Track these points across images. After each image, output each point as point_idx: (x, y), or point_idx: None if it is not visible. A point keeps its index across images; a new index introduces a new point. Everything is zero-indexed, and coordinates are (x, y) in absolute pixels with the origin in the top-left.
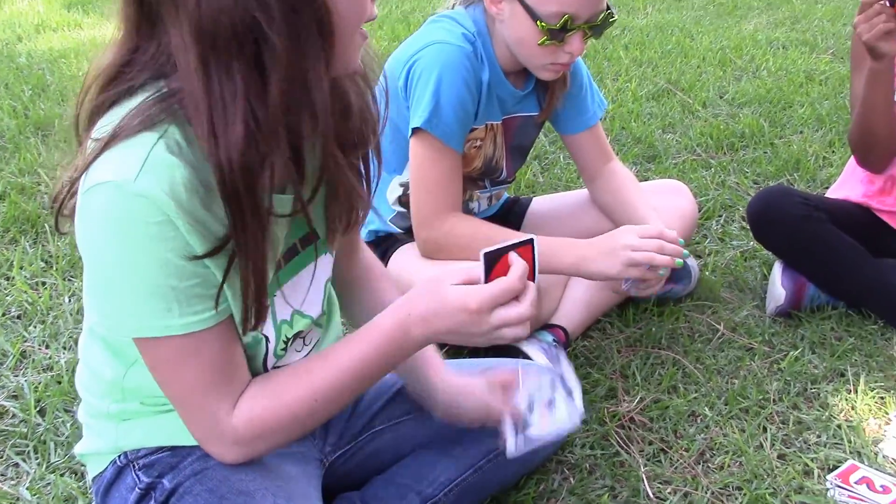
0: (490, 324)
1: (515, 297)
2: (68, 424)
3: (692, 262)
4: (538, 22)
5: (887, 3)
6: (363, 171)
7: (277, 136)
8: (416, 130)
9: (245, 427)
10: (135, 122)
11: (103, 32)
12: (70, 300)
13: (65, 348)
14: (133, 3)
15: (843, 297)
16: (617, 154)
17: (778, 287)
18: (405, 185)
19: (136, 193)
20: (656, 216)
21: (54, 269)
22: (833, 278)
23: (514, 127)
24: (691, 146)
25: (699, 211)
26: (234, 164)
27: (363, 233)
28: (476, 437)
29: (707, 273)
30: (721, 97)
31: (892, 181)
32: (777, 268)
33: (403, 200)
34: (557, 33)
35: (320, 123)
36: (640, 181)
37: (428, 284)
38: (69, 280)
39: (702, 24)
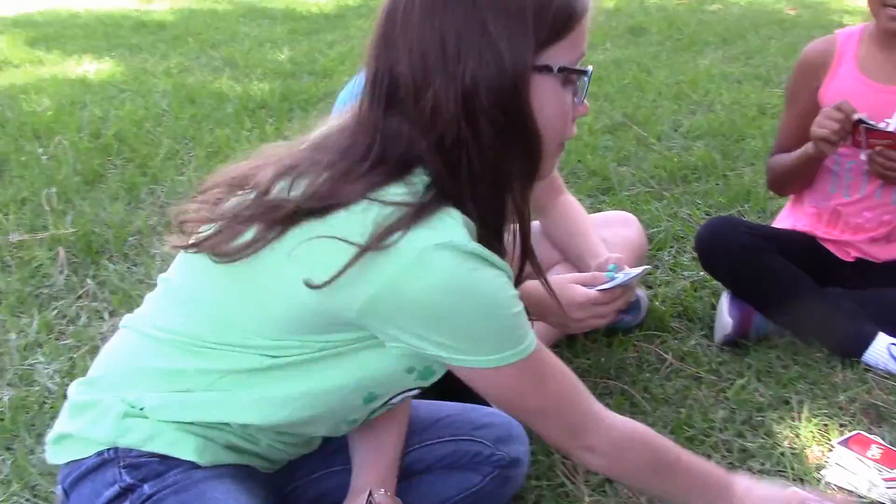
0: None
1: None
2: (9, 463)
3: (641, 294)
4: None
5: (859, 125)
6: None
7: None
8: None
9: (619, 434)
10: None
11: (64, 69)
12: (17, 336)
13: (9, 385)
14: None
15: (788, 326)
16: (572, 186)
17: (725, 316)
18: None
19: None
20: (605, 249)
21: (2, 304)
22: (778, 307)
23: None
24: (645, 178)
25: (651, 242)
26: None
27: None
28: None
29: (657, 303)
30: (675, 130)
31: (837, 214)
32: (724, 297)
33: None
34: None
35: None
36: (593, 213)
37: None
38: (17, 316)
39: (659, 60)
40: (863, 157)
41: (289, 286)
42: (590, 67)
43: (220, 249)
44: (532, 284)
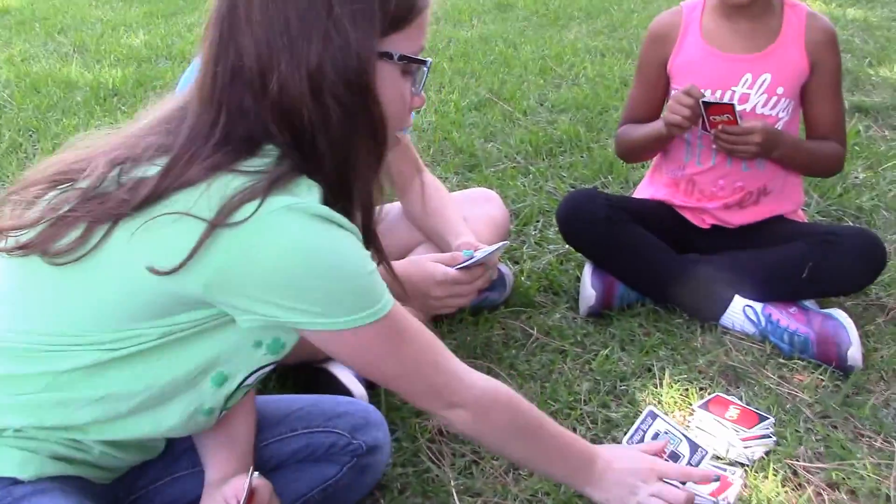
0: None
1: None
2: None
3: (506, 270)
4: None
5: (702, 108)
6: None
7: None
8: None
9: (482, 393)
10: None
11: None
12: None
13: None
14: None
15: (650, 294)
16: (438, 164)
17: (588, 288)
18: None
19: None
20: (466, 226)
21: None
22: (639, 276)
23: None
24: (511, 154)
25: (517, 218)
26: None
27: None
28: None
29: (523, 279)
30: (541, 105)
31: (692, 182)
32: (587, 269)
33: None
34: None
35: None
36: (460, 190)
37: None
38: None
39: (525, 35)
40: (711, 137)
41: (127, 273)
42: (429, 59)
43: (50, 250)
44: (396, 262)
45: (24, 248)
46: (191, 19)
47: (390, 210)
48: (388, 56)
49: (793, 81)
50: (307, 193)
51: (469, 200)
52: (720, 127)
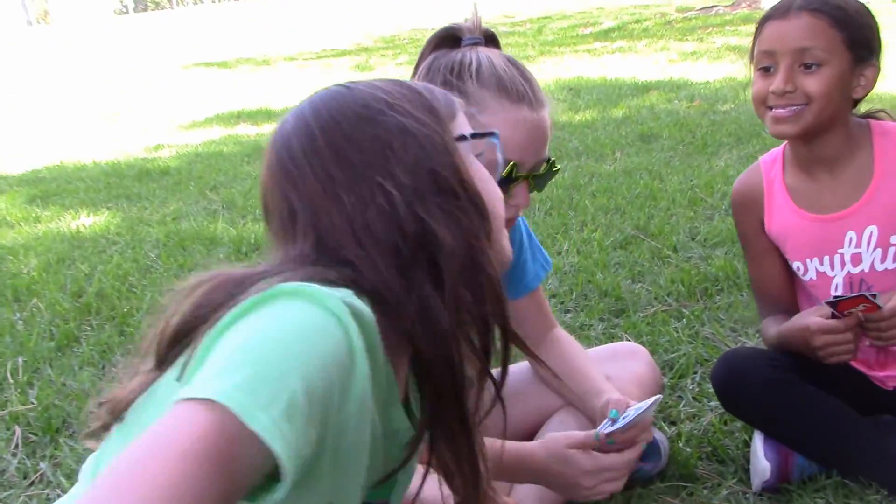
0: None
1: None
2: None
3: (660, 437)
4: None
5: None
6: None
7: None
8: None
9: None
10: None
11: (59, 224)
12: None
13: None
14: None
15: (835, 466)
16: (581, 310)
17: (761, 460)
18: None
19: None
20: (611, 385)
21: None
22: (820, 446)
23: None
24: (662, 296)
25: (671, 370)
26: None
27: None
28: None
29: (680, 444)
30: (692, 239)
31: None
32: (757, 437)
33: None
34: (502, 183)
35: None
36: (607, 340)
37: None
38: None
39: (671, 166)
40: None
41: None
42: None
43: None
44: (533, 451)
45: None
46: None
47: (518, 371)
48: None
49: None
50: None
51: (610, 357)
52: (861, 316)
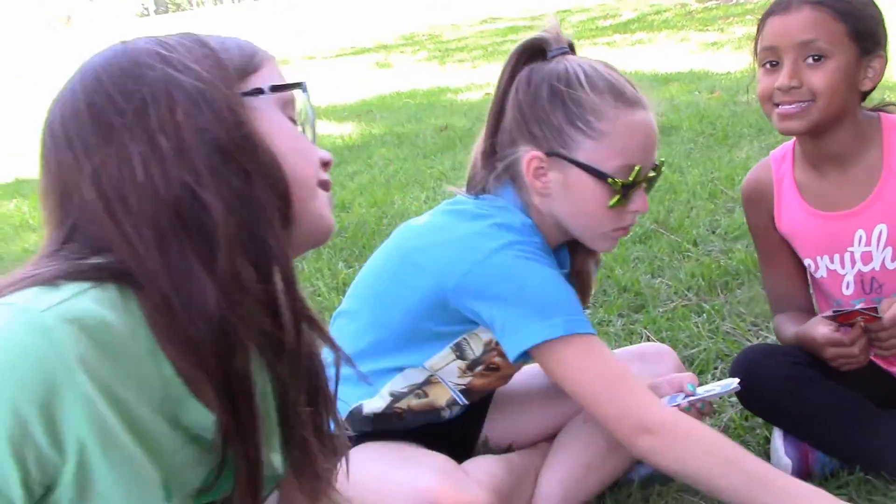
0: None
1: None
2: None
3: None
4: (608, 179)
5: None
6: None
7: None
8: (550, 343)
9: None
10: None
11: None
12: None
13: None
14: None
15: (856, 462)
16: (600, 306)
17: (782, 457)
18: (395, 396)
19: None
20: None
21: None
22: (841, 442)
23: None
24: (682, 290)
25: (691, 365)
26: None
27: None
28: None
29: None
30: (713, 232)
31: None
32: (777, 434)
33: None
34: (629, 189)
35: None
36: (626, 336)
37: None
38: None
39: (691, 158)
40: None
41: None
42: (302, 81)
43: None
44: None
45: None
46: (353, 168)
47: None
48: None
49: None
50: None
51: (638, 358)
52: (862, 325)
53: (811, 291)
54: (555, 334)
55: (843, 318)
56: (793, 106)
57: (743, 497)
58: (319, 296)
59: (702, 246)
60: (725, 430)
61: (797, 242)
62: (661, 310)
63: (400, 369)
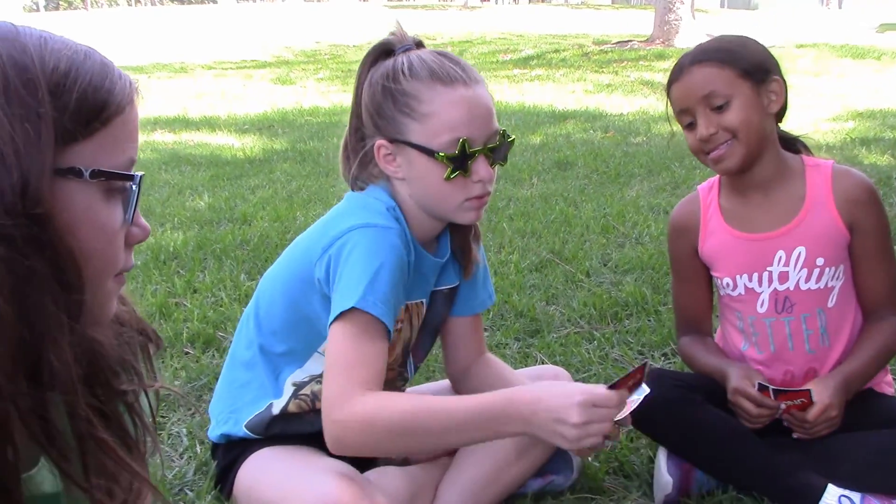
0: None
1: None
2: None
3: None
4: (437, 155)
5: (770, 396)
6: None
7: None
8: (342, 314)
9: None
10: None
11: None
12: None
13: None
14: None
15: (731, 482)
16: (498, 329)
17: (664, 475)
18: (297, 385)
19: None
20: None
21: None
22: (718, 464)
23: (434, 303)
24: (574, 318)
25: None
26: None
27: (212, 433)
28: None
29: (590, 459)
30: (605, 265)
31: (758, 370)
32: (661, 454)
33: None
34: (459, 161)
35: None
36: (522, 359)
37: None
38: None
39: (585, 193)
40: (782, 406)
41: None
42: (138, 174)
43: None
44: (523, 386)
45: None
46: (255, 181)
47: (435, 389)
48: (73, 172)
49: (832, 249)
50: None
51: (536, 378)
52: (788, 409)
53: (715, 315)
54: (346, 306)
55: (784, 397)
56: (719, 149)
57: (433, 444)
58: (222, 306)
59: (594, 277)
60: (614, 451)
61: (719, 263)
62: (554, 335)
63: (298, 362)
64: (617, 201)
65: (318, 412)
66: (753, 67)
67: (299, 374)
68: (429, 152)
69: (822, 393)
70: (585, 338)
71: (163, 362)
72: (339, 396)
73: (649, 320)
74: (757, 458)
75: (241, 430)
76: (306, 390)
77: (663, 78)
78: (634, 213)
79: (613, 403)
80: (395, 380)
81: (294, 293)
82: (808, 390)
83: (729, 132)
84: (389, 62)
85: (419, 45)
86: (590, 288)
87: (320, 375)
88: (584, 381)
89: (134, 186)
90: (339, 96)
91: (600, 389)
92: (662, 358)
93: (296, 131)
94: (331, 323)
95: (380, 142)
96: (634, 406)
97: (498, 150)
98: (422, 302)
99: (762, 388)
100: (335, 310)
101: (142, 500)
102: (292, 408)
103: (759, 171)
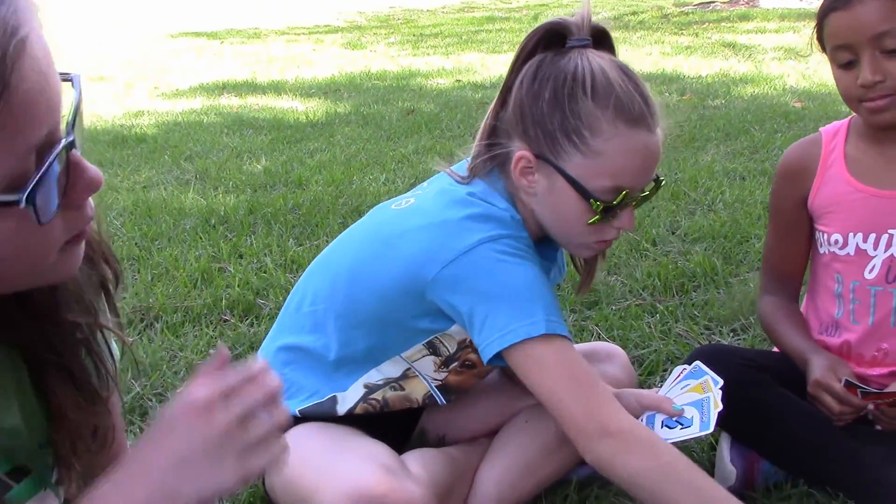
0: (229, 418)
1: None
2: None
3: None
4: (591, 201)
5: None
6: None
7: None
8: (529, 342)
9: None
10: None
11: None
12: None
13: None
14: None
15: (802, 475)
16: None
17: (727, 465)
18: (370, 388)
19: None
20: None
21: None
22: (789, 453)
23: None
24: (637, 289)
25: (640, 366)
26: None
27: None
28: None
29: None
30: (673, 233)
31: (847, 345)
32: (724, 441)
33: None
34: (612, 210)
35: None
36: (577, 332)
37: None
38: None
39: None
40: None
41: None
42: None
43: None
44: None
45: None
46: (314, 145)
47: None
48: None
49: None
50: None
51: (587, 356)
52: (879, 405)
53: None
54: (535, 332)
55: (871, 397)
56: (884, 101)
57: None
58: (266, 272)
59: (660, 246)
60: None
61: (831, 217)
62: (614, 308)
63: (375, 362)
64: (690, 166)
65: (390, 407)
66: None
67: (374, 376)
68: (583, 192)
69: None
70: (647, 311)
71: (199, 330)
72: (595, 421)
73: (718, 292)
74: (834, 448)
75: (292, 411)
76: (378, 395)
77: (746, 40)
78: (708, 178)
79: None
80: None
81: (391, 295)
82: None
83: None
84: (565, 61)
85: (601, 37)
86: (655, 257)
87: (397, 380)
88: (642, 357)
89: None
90: (408, 60)
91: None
92: (731, 334)
93: (361, 95)
94: (503, 349)
95: (525, 154)
96: (718, 409)
97: (647, 197)
98: None
99: (849, 386)
100: (509, 338)
101: (108, 447)
102: (359, 411)
103: None
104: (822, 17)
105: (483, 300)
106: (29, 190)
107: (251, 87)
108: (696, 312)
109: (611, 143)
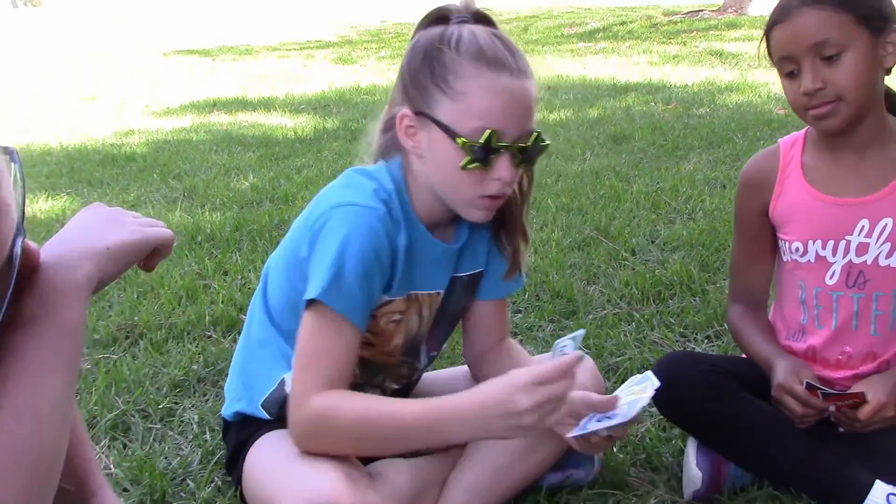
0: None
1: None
2: None
3: None
4: (458, 139)
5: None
6: None
7: None
8: (310, 302)
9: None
10: None
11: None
12: None
13: None
14: None
15: (767, 477)
16: (532, 311)
17: (693, 468)
18: None
19: None
20: None
21: None
22: (752, 457)
23: (452, 290)
24: (615, 298)
25: (615, 374)
26: None
27: (225, 411)
28: None
29: (615, 450)
30: (652, 242)
31: (812, 349)
32: (691, 445)
33: None
34: (481, 152)
35: None
36: (554, 341)
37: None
38: None
39: (639, 167)
40: (831, 408)
41: None
42: None
43: None
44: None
45: None
46: (301, 161)
47: (454, 377)
48: None
49: None
50: None
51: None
52: (839, 407)
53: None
54: (311, 295)
55: (836, 399)
56: (824, 108)
57: (385, 448)
58: (250, 288)
59: (639, 255)
60: (641, 441)
61: (791, 225)
62: (591, 317)
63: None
64: (671, 175)
65: None
66: (873, 14)
67: None
68: (452, 134)
69: (878, 391)
70: (624, 319)
71: (182, 346)
72: (297, 396)
73: (694, 300)
74: (798, 450)
75: (257, 409)
76: None
77: (734, 48)
78: (689, 187)
79: (557, 375)
80: (397, 367)
81: (289, 272)
82: (862, 392)
83: (837, 92)
84: (440, 29)
85: (482, 19)
86: (633, 266)
87: None
88: (616, 364)
89: None
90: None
91: (540, 367)
92: (706, 341)
93: (350, 110)
94: (303, 310)
95: (405, 111)
96: (643, 403)
97: (527, 151)
98: (437, 293)
99: (810, 388)
100: (306, 296)
101: None
102: None
103: (859, 131)
104: (767, 31)
105: (314, 258)
106: None
107: (241, 104)
108: (671, 320)
109: (473, 82)
